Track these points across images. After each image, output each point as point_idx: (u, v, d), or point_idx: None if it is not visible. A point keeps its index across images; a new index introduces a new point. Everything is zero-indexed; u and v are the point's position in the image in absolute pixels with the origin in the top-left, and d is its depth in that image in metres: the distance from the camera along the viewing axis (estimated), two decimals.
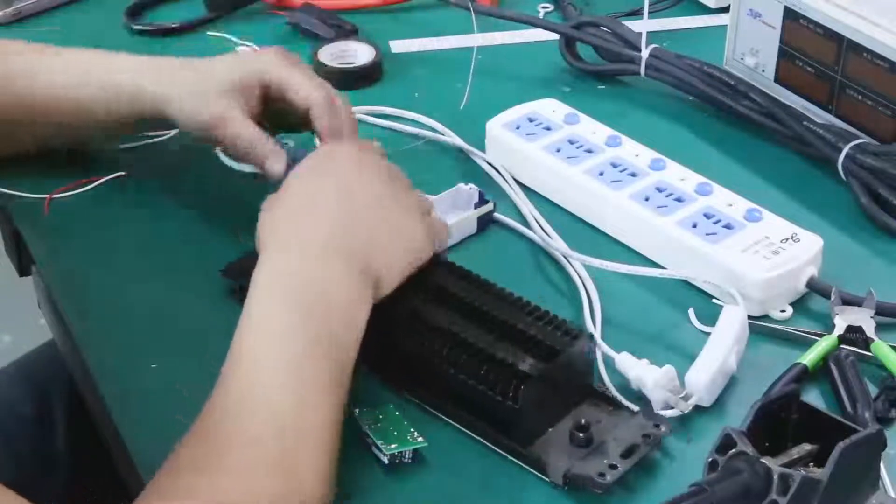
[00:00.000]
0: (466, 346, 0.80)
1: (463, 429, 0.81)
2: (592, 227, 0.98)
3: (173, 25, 1.23)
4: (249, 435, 0.72)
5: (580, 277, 0.92)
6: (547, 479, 0.77)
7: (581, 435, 0.77)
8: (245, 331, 0.77)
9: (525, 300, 0.83)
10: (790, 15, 1.07)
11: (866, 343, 0.86)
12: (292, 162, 0.91)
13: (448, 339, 0.80)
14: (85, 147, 1.04)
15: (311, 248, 0.80)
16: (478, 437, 0.80)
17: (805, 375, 0.84)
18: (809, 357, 0.85)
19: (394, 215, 0.83)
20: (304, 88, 0.92)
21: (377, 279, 0.81)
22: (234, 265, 0.90)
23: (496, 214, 0.98)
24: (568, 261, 0.94)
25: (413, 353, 0.81)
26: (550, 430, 0.79)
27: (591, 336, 0.83)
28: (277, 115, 0.94)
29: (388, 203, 0.84)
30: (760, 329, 0.88)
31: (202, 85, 0.94)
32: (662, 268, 0.93)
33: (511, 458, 0.79)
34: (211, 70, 0.95)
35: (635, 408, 0.81)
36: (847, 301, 0.89)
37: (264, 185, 1.00)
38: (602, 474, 0.75)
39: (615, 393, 0.82)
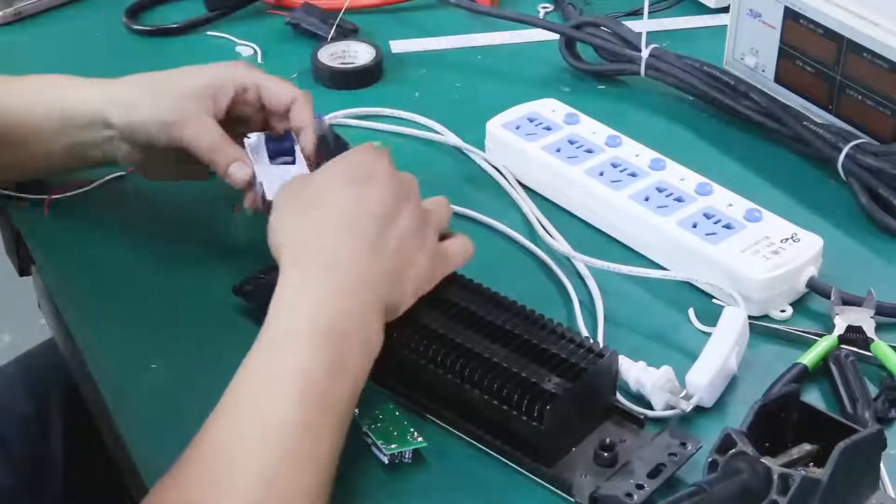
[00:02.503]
0: (488, 365, 0.78)
1: (484, 448, 0.79)
2: (592, 227, 0.98)
3: (173, 25, 1.23)
4: (251, 459, 0.71)
5: (583, 278, 0.92)
6: (571, 499, 0.76)
7: (606, 454, 0.76)
8: (263, 353, 0.75)
9: (546, 318, 0.82)
10: (790, 15, 1.07)
11: (866, 343, 0.86)
12: (322, 138, 0.92)
13: (469, 358, 0.78)
14: (35, 177, 1.00)
15: (339, 275, 0.78)
16: (498, 456, 0.79)
17: (805, 375, 0.84)
18: (809, 357, 0.85)
19: (410, 246, 0.81)
20: (282, 87, 0.94)
21: (389, 309, 0.79)
22: (248, 286, 0.89)
23: (496, 223, 0.97)
24: (570, 261, 0.94)
25: (432, 372, 0.79)
26: (574, 449, 0.78)
27: (615, 351, 0.81)
28: (233, 121, 0.94)
29: (409, 234, 0.81)
30: (760, 329, 0.88)
31: (167, 87, 0.93)
32: (662, 267, 0.93)
33: (533, 477, 0.78)
34: (177, 74, 0.95)
35: (649, 413, 0.80)
36: (847, 301, 0.89)
37: None
38: (629, 494, 0.74)
39: (638, 409, 0.81)
